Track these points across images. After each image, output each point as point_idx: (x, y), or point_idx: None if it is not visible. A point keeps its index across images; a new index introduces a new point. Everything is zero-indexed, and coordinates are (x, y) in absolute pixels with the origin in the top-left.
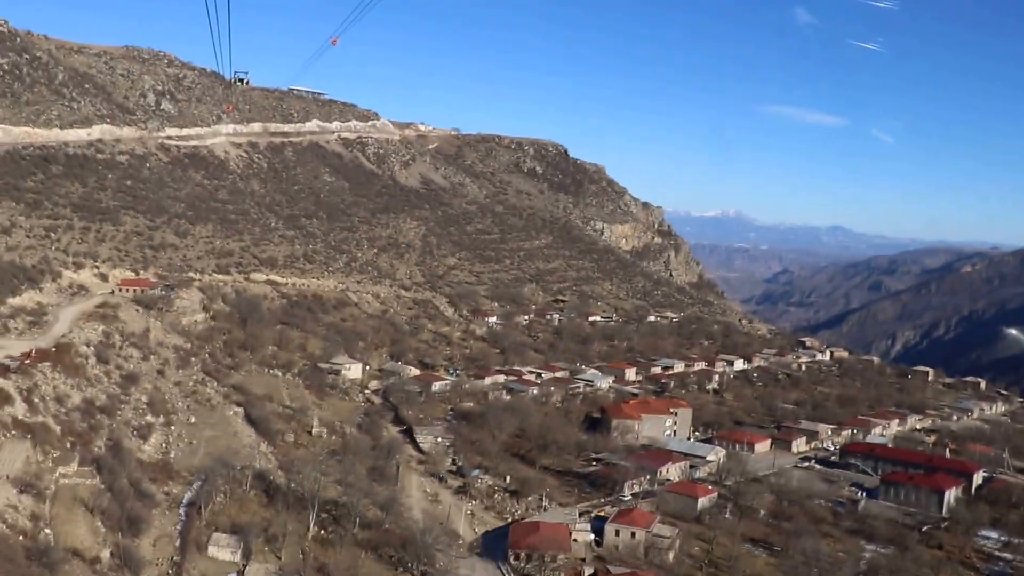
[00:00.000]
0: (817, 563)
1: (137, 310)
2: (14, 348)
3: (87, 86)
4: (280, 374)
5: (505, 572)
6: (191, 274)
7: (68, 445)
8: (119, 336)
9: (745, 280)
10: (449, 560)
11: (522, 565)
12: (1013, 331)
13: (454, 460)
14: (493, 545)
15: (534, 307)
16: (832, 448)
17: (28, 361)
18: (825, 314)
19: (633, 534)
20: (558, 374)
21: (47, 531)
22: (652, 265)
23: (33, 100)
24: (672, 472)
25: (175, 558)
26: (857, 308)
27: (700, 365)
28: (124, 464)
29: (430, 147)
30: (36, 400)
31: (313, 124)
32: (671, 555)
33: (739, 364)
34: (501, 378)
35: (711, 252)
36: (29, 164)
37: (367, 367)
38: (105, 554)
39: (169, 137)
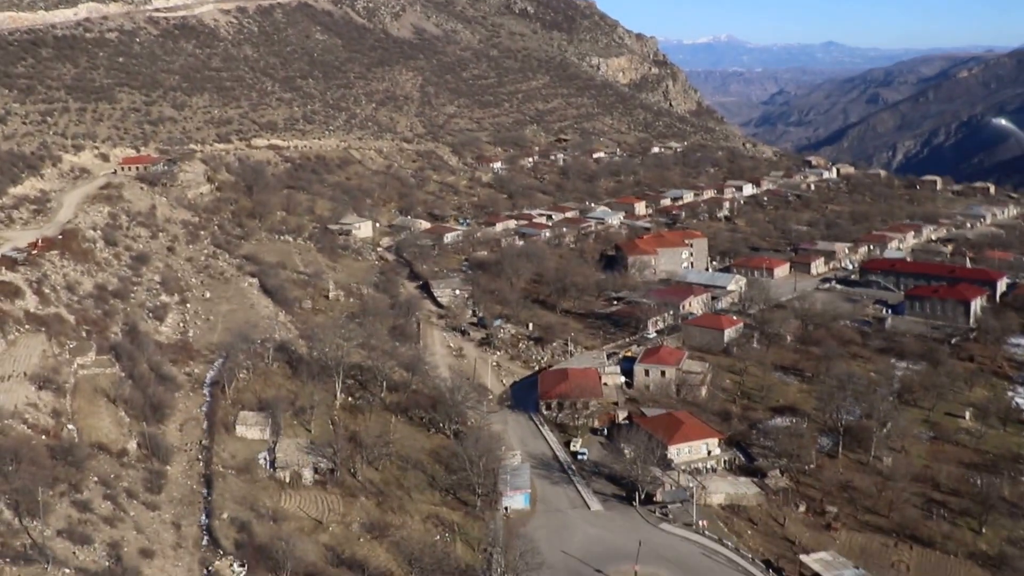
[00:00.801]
0: (850, 386)
1: (141, 188)
2: (20, 239)
3: None
4: (291, 240)
5: (538, 423)
6: (192, 146)
7: (83, 334)
8: (125, 216)
9: (742, 104)
10: (480, 416)
11: (554, 414)
12: (1002, 120)
13: (474, 312)
14: (522, 396)
15: (537, 149)
16: (851, 267)
17: (35, 251)
18: (824, 131)
19: (663, 373)
20: (568, 215)
21: (70, 427)
22: (651, 96)
23: None
24: (694, 305)
25: (203, 441)
26: (856, 122)
27: (709, 193)
28: (142, 348)
29: None
30: (47, 291)
31: None
32: (703, 391)
33: (748, 189)
34: (512, 223)
35: (706, 78)
36: (17, 49)
37: (377, 224)
38: (132, 445)
39: (157, 10)
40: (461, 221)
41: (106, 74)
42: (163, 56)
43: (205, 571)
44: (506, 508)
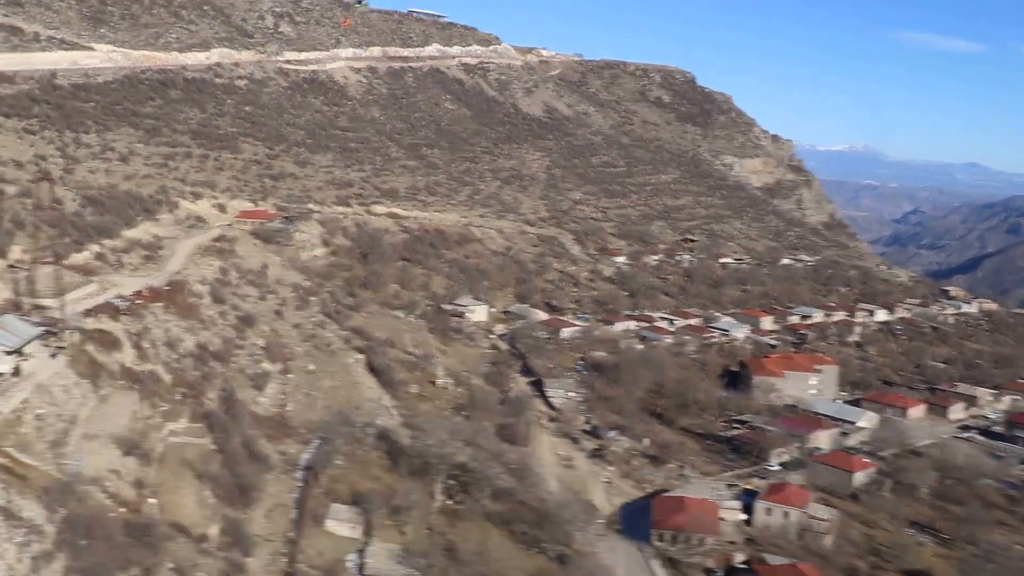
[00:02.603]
0: (996, 559)
1: (255, 244)
2: (127, 286)
3: (206, 8)
4: (402, 316)
5: (648, 556)
6: (311, 206)
7: (178, 397)
8: (236, 273)
9: (873, 219)
10: (587, 539)
11: (666, 546)
12: None
13: (587, 418)
14: (633, 520)
15: (663, 246)
16: (993, 416)
17: (140, 301)
18: (958, 258)
19: (786, 514)
20: (692, 321)
21: (151, 501)
22: (784, 203)
23: (152, 23)
24: (822, 439)
25: (290, 534)
26: (993, 252)
27: (839, 314)
28: (238, 420)
29: (552, 73)
30: (146, 345)
31: (433, 48)
32: (828, 539)
33: (880, 314)
34: (632, 324)
35: (838, 189)
36: (148, 89)
37: (492, 309)
38: (213, 530)
39: (288, 61)
40: (579, 316)
41: (232, 122)
42: (290, 109)
43: None
44: None
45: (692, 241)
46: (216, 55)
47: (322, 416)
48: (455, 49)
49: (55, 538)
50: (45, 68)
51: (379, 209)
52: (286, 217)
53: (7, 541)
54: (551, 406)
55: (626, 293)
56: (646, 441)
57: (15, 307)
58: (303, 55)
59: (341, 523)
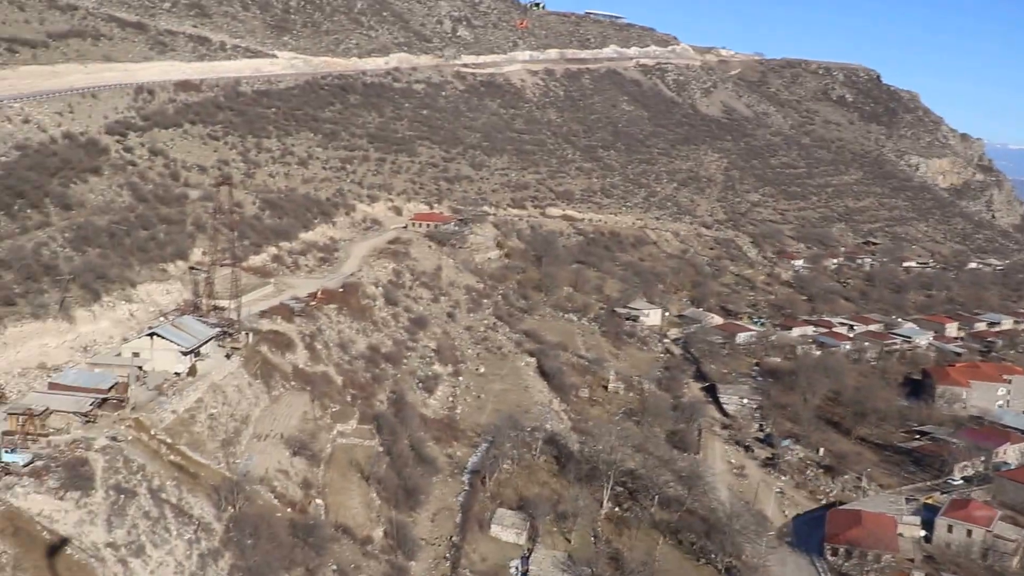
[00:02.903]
0: None
1: (429, 246)
2: (302, 288)
3: (385, 14)
4: (575, 319)
5: (821, 570)
6: (485, 208)
7: (348, 399)
8: (409, 275)
9: None
10: (758, 551)
11: (840, 562)
12: None
13: (761, 426)
14: (805, 533)
15: (843, 249)
16: None
17: (314, 303)
18: None
19: (969, 532)
20: (872, 327)
21: (318, 502)
22: (972, 205)
23: (333, 29)
24: (1010, 454)
25: (454, 538)
26: None
27: None
28: (406, 423)
29: (732, 73)
30: (319, 347)
31: (610, 50)
32: (1015, 561)
33: None
34: (810, 330)
35: None
36: (327, 94)
37: (666, 313)
38: (378, 533)
39: (465, 65)
40: (755, 320)
41: (409, 126)
42: (467, 112)
43: None
44: None
45: (874, 244)
46: (395, 60)
47: (491, 419)
48: (632, 50)
49: (222, 536)
50: (230, 76)
51: (554, 211)
52: (461, 219)
53: (177, 538)
54: (724, 413)
55: (804, 297)
56: (821, 451)
57: (194, 308)
58: (480, 58)
59: (506, 528)
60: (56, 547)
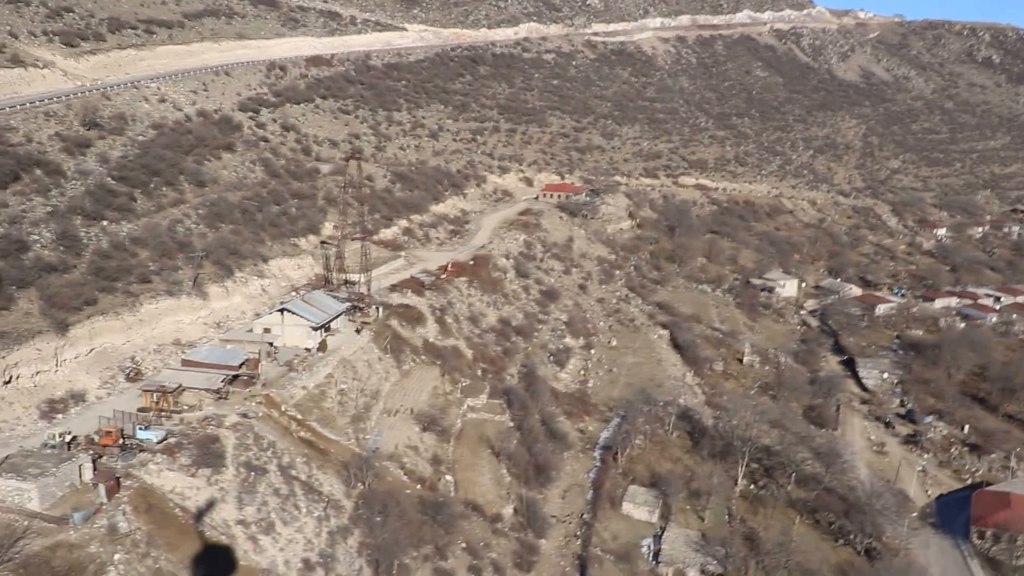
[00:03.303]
0: None
1: (560, 217)
2: (432, 261)
3: None
4: (709, 290)
5: (967, 554)
6: (617, 178)
7: (479, 373)
8: (540, 247)
9: None
10: (899, 533)
11: (987, 546)
12: None
13: (902, 402)
14: (950, 515)
15: (989, 217)
16: None
17: (444, 276)
18: None
19: None
20: (1020, 299)
21: (448, 478)
22: None
23: (462, 1)
24: None
25: (585, 515)
26: None
27: None
28: (537, 397)
29: (870, 36)
30: (449, 320)
31: (743, 15)
32: None
33: None
34: (953, 301)
35: None
36: (457, 66)
37: (803, 284)
38: (508, 510)
39: (596, 33)
40: (895, 292)
41: (539, 96)
42: (597, 81)
43: None
44: None
45: (1022, 212)
46: (524, 30)
47: (623, 394)
48: (766, 15)
49: (351, 513)
50: (360, 50)
51: (687, 181)
52: (592, 190)
53: (307, 515)
54: (864, 387)
55: (947, 268)
56: (967, 428)
57: (325, 283)
58: (610, 26)
59: (638, 506)
60: (188, 524)
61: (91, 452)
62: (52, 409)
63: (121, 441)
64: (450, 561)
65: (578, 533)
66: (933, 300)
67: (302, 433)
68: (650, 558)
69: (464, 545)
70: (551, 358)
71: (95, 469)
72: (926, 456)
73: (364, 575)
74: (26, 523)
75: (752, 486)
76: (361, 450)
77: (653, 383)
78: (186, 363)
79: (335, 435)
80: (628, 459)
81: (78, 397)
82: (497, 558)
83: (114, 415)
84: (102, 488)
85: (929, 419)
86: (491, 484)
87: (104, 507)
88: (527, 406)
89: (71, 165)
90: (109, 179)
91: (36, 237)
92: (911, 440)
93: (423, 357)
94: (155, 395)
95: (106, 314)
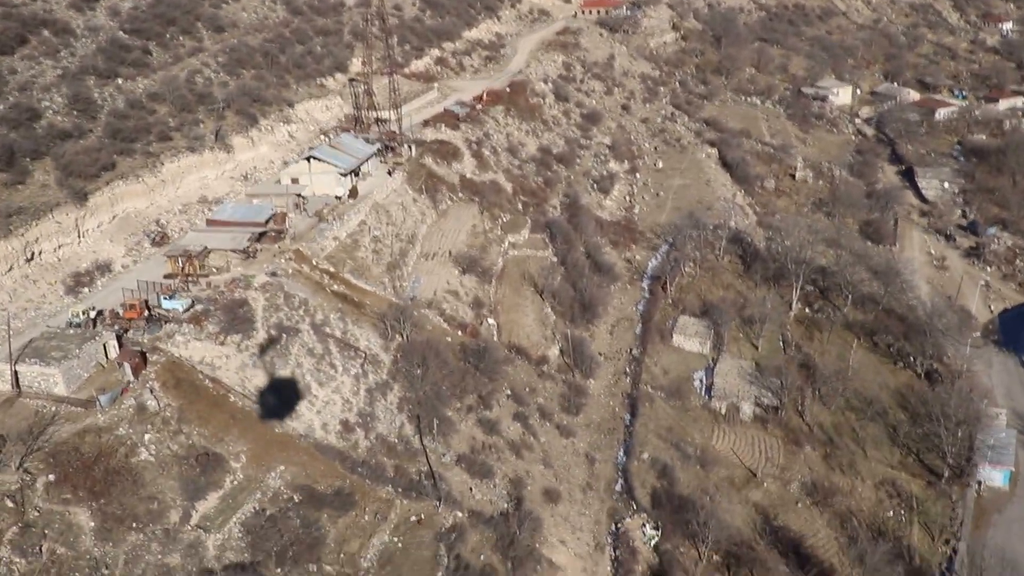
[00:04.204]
0: None
1: (600, 34)
2: (467, 91)
3: None
4: (758, 103)
5: None
6: None
7: (519, 207)
8: (580, 67)
9: None
10: (961, 352)
11: None
12: None
13: (964, 212)
14: (1013, 329)
15: None
16: None
17: (480, 106)
18: None
19: None
20: None
21: (490, 321)
22: None
23: None
24: None
25: (634, 350)
26: None
27: None
28: (581, 228)
29: None
30: (486, 153)
31: None
32: None
33: None
34: (1019, 101)
35: None
36: None
37: (857, 91)
38: (553, 351)
39: None
40: (956, 94)
41: None
42: None
43: (613, 527)
44: (979, 484)
45: None
46: None
47: (670, 218)
48: None
49: (390, 368)
50: None
51: None
52: (633, 2)
53: (344, 374)
54: (923, 199)
55: (1013, 65)
56: None
57: (355, 123)
58: None
59: (689, 337)
60: (220, 396)
61: (116, 327)
62: (78, 283)
63: (146, 313)
64: (495, 410)
65: (627, 370)
66: (997, 101)
67: (335, 287)
68: (702, 392)
69: (509, 392)
70: (595, 185)
71: (120, 346)
72: (989, 269)
73: (405, 432)
74: (53, 409)
75: (807, 309)
76: (398, 299)
77: (702, 205)
78: (211, 223)
79: (370, 286)
80: (678, 288)
81: (104, 268)
82: (544, 403)
83: (138, 286)
84: (127, 367)
85: (992, 230)
86: (535, 325)
87: (131, 386)
88: (571, 239)
89: (80, 22)
90: (121, 33)
91: (47, 103)
92: (973, 253)
93: (460, 195)
94: (180, 260)
95: (126, 178)
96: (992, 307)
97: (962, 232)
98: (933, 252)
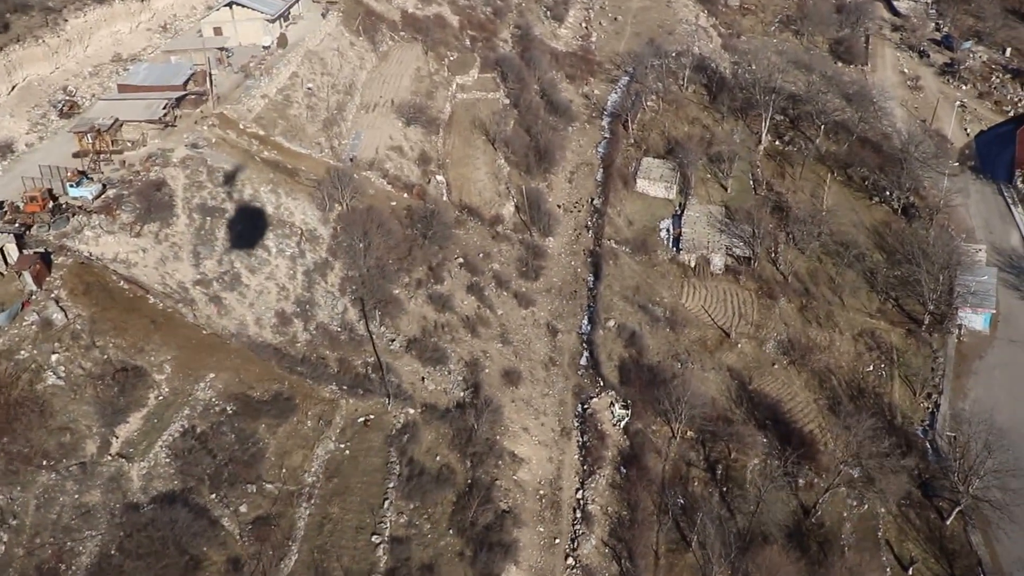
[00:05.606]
0: None
1: None
2: None
3: None
4: None
5: (1010, 201)
6: None
7: (467, 43)
8: None
9: None
10: (937, 182)
11: None
12: None
13: (938, 25)
14: (990, 153)
15: None
16: None
17: None
18: None
19: None
20: None
21: (438, 178)
22: None
23: None
24: None
25: (595, 200)
26: None
27: None
28: (534, 64)
29: None
30: None
31: None
32: None
33: None
34: None
35: None
36: None
37: None
38: (508, 209)
39: None
40: None
41: None
42: None
43: (580, 408)
44: (960, 328)
45: None
46: None
47: (630, 46)
48: None
49: (330, 244)
50: None
51: None
52: None
53: (278, 256)
54: (895, 12)
55: None
56: (1008, 51)
57: None
58: None
59: (654, 182)
60: (136, 298)
61: (16, 224)
62: None
63: (51, 205)
64: (446, 283)
65: (588, 224)
66: None
67: (266, 153)
68: (670, 244)
69: (461, 261)
70: (548, 12)
71: (20, 250)
72: (964, 88)
73: (349, 317)
74: None
75: (777, 142)
76: (337, 161)
77: (663, 30)
78: (122, 88)
79: (305, 148)
80: (640, 126)
81: (4, 149)
82: (499, 269)
83: (41, 172)
84: (27, 275)
85: (968, 44)
86: (488, 180)
87: (34, 297)
88: (524, 76)
89: None
90: None
91: None
92: (948, 70)
93: (402, 33)
94: (89, 136)
95: (23, 40)
96: (968, 129)
97: (936, 47)
98: (907, 71)
